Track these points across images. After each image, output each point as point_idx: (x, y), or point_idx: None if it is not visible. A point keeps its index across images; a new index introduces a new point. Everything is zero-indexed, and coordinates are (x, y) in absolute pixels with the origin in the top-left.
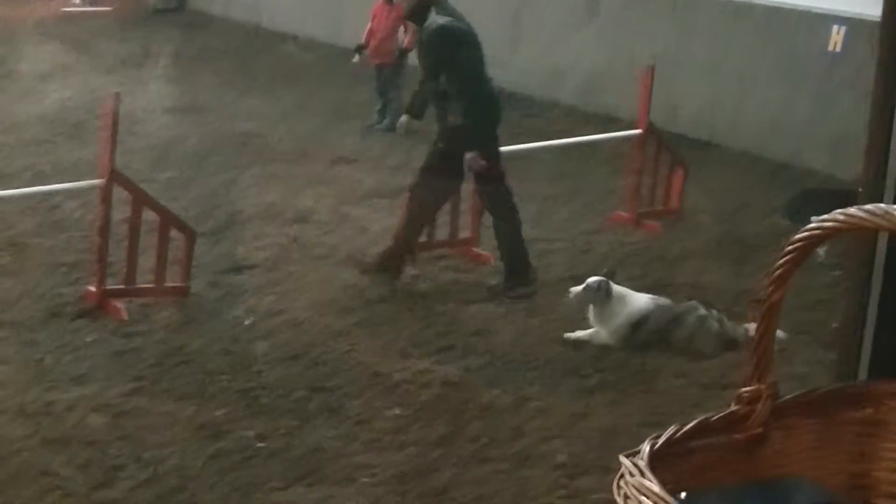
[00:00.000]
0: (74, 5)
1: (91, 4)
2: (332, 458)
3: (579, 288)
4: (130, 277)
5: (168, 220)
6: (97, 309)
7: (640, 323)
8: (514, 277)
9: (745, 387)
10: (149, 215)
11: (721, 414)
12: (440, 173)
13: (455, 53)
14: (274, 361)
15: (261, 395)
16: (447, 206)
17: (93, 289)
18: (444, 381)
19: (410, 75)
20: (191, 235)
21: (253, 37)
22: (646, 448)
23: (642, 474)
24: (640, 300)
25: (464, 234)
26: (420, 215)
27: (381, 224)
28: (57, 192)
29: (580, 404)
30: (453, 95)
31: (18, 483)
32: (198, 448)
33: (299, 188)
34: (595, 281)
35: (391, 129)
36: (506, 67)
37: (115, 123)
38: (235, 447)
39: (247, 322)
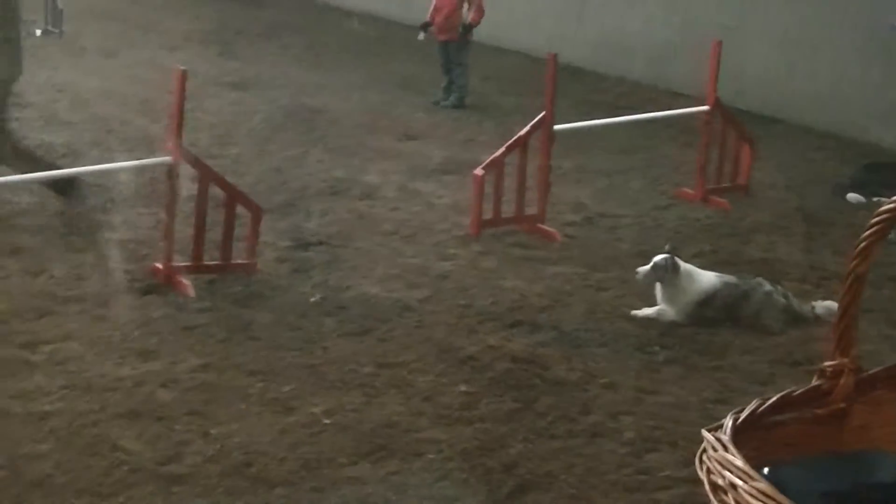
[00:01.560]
0: None
1: None
2: (399, 434)
3: (647, 267)
4: (198, 254)
5: (235, 196)
6: (165, 285)
7: (707, 301)
8: None
9: (828, 361)
10: (216, 191)
11: (804, 388)
12: None
13: None
14: (341, 337)
15: (328, 371)
16: (514, 182)
17: (160, 265)
18: (512, 356)
19: (475, 51)
20: (257, 212)
21: (318, 13)
22: (728, 423)
23: (725, 449)
24: (707, 278)
25: (530, 210)
26: None
27: (448, 199)
28: (125, 168)
29: (648, 380)
30: None
31: (87, 457)
32: (266, 424)
33: (366, 164)
34: (662, 259)
35: (457, 105)
36: (573, 42)
37: (182, 100)
38: (303, 422)
39: (314, 298)
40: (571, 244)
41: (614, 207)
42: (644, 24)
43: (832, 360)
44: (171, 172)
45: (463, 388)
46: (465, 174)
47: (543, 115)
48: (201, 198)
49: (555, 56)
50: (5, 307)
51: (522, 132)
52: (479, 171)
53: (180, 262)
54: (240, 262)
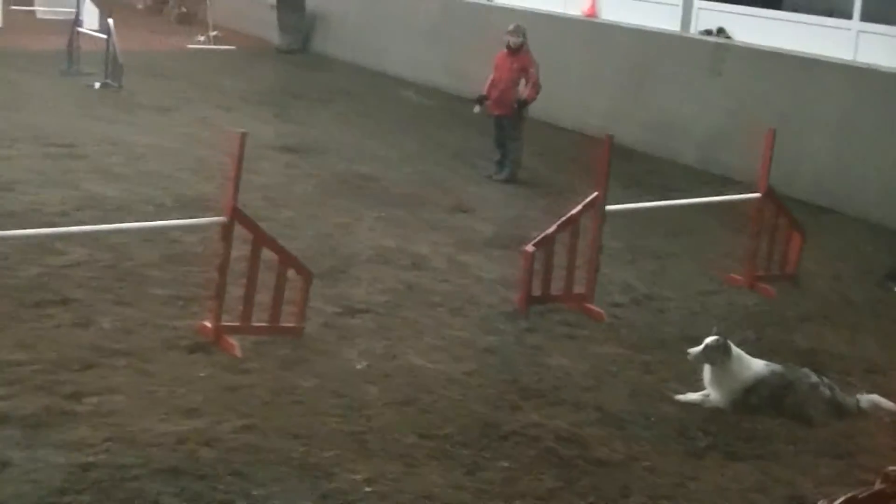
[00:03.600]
0: (199, 42)
1: (215, 42)
2: None
3: (699, 348)
4: (246, 315)
5: (286, 260)
6: (212, 344)
7: (754, 388)
8: None
9: (891, 466)
10: (266, 254)
11: (869, 491)
12: None
13: None
14: (385, 406)
15: (370, 439)
16: (563, 261)
17: (208, 324)
18: (555, 434)
19: (530, 127)
20: (308, 276)
21: (375, 81)
22: None
23: None
24: (756, 365)
25: (578, 289)
26: None
27: (497, 274)
28: (178, 226)
29: (690, 466)
30: None
31: None
32: (306, 488)
33: (416, 234)
34: (714, 341)
35: (509, 179)
36: (627, 123)
37: (240, 162)
38: (343, 489)
39: (359, 366)
40: (618, 324)
41: (662, 290)
42: (699, 109)
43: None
44: (224, 233)
45: (504, 463)
46: (514, 249)
47: (595, 195)
48: (253, 259)
49: (610, 137)
50: (52, 357)
51: (574, 211)
52: (529, 248)
53: (228, 322)
54: (287, 325)
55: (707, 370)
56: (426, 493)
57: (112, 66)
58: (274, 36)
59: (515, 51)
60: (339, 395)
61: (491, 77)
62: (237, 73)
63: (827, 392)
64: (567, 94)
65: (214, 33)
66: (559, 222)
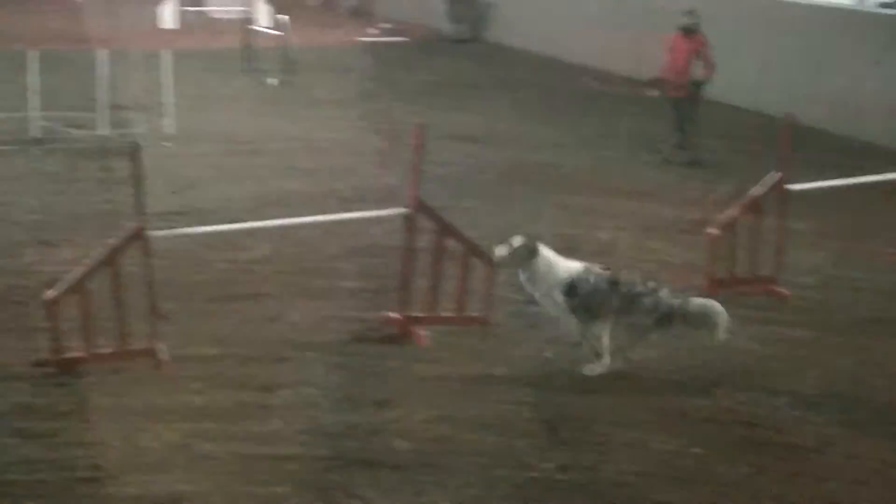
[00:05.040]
0: (371, 35)
1: (388, 34)
2: (632, 494)
3: (504, 251)
4: (433, 305)
5: (471, 249)
6: (401, 335)
7: (569, 288)
8: None
9: None
10: (450, 244)
11: None
12: None
13: None
14: (576, 394)
15: (563, 428)
16: (748, 242)
17: (396, 315)
18: (747, 420)
19: (708, 109)
20: (492, 265)
21: (549, 68)
22: None
23: None
24: (572, 265)
25: (764, 271)
26: None
27: (681, 258)
28: (363, 218)
29: (889, 451)
30: None
31: (323, 503)
32: (501, 478)
33: (599, 220)
34: (522, 242)
35: (689, 163)
36: (806, 101)
37: (420, 153)
38: (538, 478)
39: (547, 354)
40: (807, 306)
41: (851, 270)
42: (881, 84)
43: None
44: (408, 224)
45: (698, 450)
46: (697, 233)
47: (778, 175)
48: (438, 250)
49: (791, 116)
50: (244, 352)
51: (757, 192)
52: (713, 231)
53: (416, 313)
54: (474, 315)
55: (520, 274)
56: (619, 482)
57: (285, 62)
58: (445, 26)
59: (690, 33)
60: (530, 384)
61: (666, 59)
62: (413, 66)
63: (652, 301)
64: (744, 75)
65: (387, 25)
66: (741, 204)
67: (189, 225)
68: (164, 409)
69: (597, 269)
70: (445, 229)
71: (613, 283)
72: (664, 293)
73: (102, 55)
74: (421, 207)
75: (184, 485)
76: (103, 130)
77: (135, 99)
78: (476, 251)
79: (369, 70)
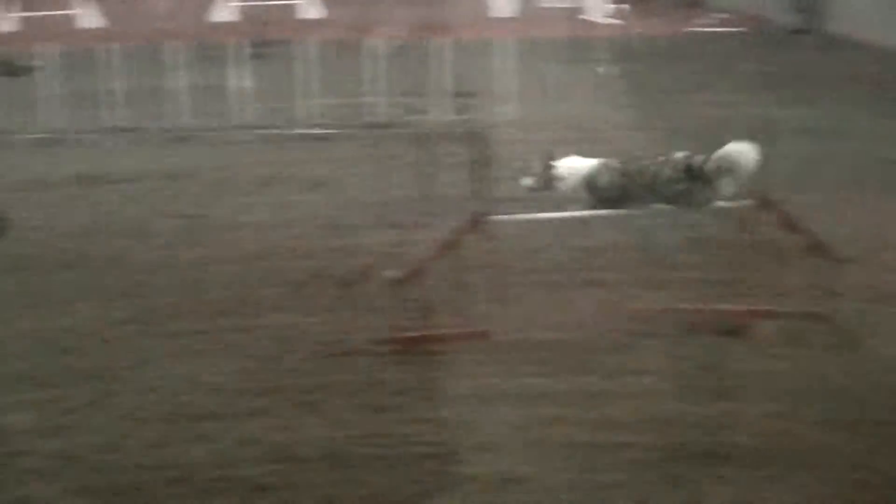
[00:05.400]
0: (701, 25)
1: (722, 25)
2: None
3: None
4: (771, 299)
5: (813, 244)
6: (741, 327)
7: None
8: None
9: None
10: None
11: None
12: None
13: None
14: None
15: None
16: None
17: (735, 307)
18: None
19: None
20: (836, 261)
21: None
22: None
23: None
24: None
25: None
26: None
27: None
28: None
29: None
30: None
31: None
32: (845, 480)
33: None
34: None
35: None
36: None
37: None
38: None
39: None
40: None
41: None
42: None
43: None
44: (751, 217)
45: None
46: None
47: None
48: (780, 244)
49: None
50: (582, 337)
51: None
52: None
53: (753, 306)
54: (813, 310)
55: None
56: None
57: (624, 51)
58: (781, 16)
59: None
60: (878, 384)
61: None
62: (748, 56)
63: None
64: None
65: (724, 15)
66: None
67: (528, 211)
68: (502, 392)
69: (614, 162)
70: (788, 223)
71: (628, 170)
72: (678, 156)
73: (440, 43)
74: (762, 200)
75: (523, 467)
76: (444, 116)
77: (472, 86)
78: (819, 245)
79: (706, 60)
